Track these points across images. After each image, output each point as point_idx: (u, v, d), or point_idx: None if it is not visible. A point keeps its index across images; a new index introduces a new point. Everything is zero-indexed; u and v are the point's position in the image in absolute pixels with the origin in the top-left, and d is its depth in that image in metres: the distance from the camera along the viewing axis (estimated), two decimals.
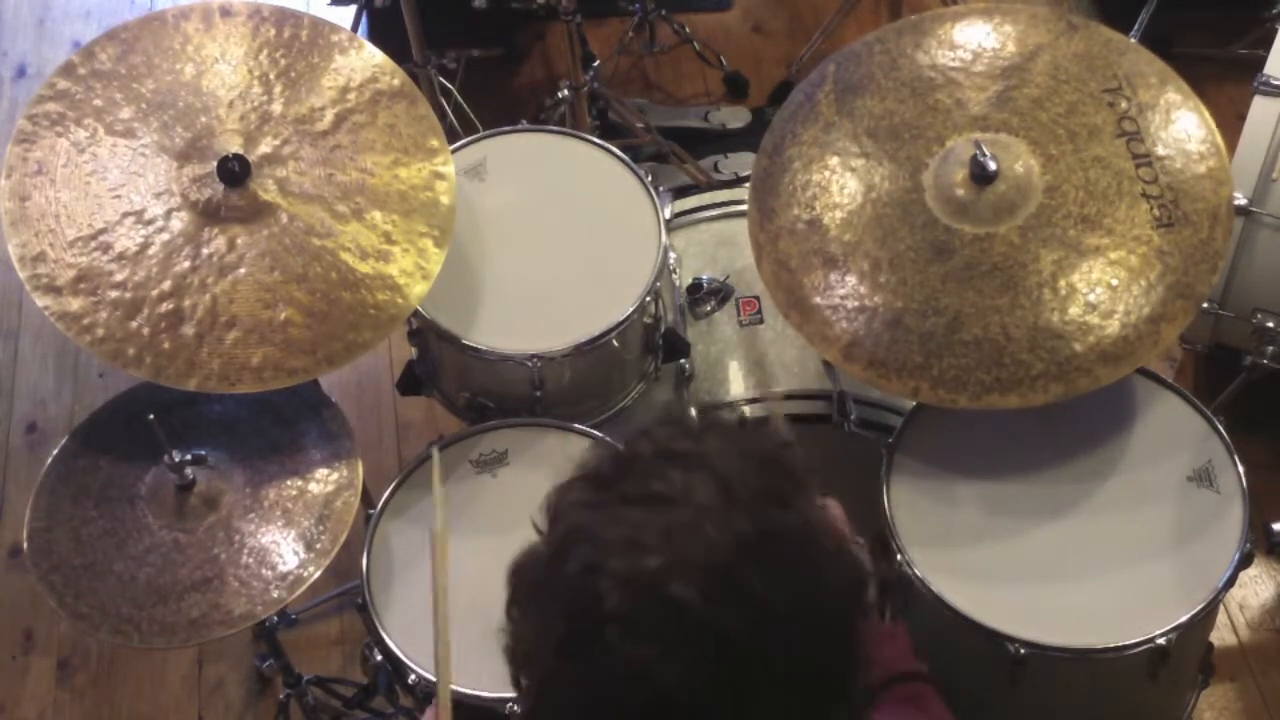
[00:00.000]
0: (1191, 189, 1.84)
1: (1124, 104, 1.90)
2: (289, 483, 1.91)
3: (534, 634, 1.06)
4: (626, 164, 2.20)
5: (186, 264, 1.86)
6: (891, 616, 1.90)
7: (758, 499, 1.04)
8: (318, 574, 1.84)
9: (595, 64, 3.10)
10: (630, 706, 1.01)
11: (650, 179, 2.18)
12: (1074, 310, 1.80)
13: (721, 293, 2.28)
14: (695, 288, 2.28)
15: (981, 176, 1.85)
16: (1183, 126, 1.89)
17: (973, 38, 1.99)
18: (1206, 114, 1.90)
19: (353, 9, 3.20)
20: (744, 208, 2.05)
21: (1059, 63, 1.95)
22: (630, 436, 1.13)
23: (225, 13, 2.02)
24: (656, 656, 0.99)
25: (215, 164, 1.88)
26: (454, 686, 1.77)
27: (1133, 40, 2.03)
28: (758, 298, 2.26)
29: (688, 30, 3.30)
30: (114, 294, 1.83)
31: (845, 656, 1.06)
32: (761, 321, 2.25)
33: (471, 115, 2.96)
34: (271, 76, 1.99)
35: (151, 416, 1.81)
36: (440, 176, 1.99)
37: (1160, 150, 1.87)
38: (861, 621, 1.08)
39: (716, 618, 0.99)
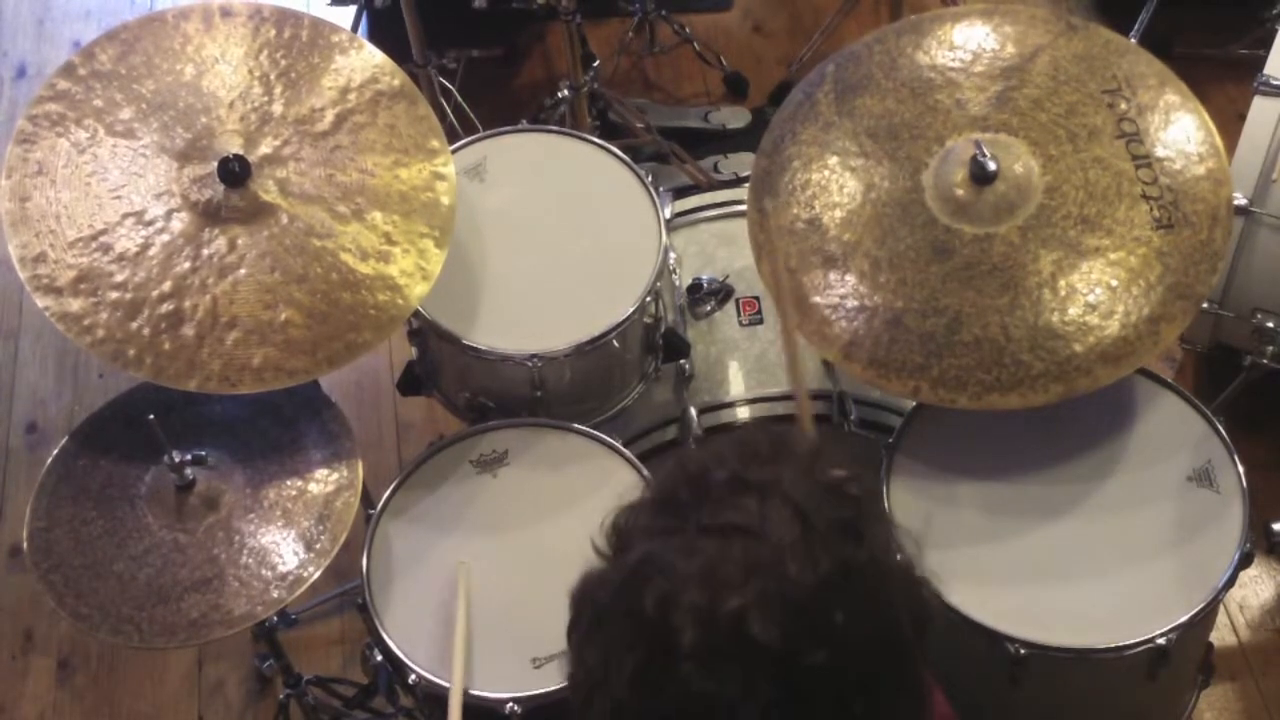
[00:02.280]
0: (1191, 190, 1.85)
1: (1123, 105, 1.91)
2: (289, 483, 1.91)
3: (603, 664, 1.03)
4: (626, 164, 2.20)
5: (187, 265, 1.86)
6: None
7: (835, 533, 1.03)
8: (318, 574, 1.84)
9: (595, 64, 3.10)
10: None
11: (650, 179, 2.18)
12: (1074, 310, 1.80)
13: (721, 293, 2.28)
14: (695, 288, 2.28)
15: (981, 176, 1.85)
16: (1182, 128, 1.89)
17: (972, 38, 2.00)
18: (1205, 115, 1.90)
19: (353, 9, 3.20)
20: (744, 208, 2.05)
21: (1059, 63, 1.95)
22: (698, 456, 1.11)
23: (225, 13, 2.02)
24: (733, 695, 0.98)
25: (215, 164, 1.88)
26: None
27: (1132, 41, 2.03)
28: (758, 298, 2.26)
29: (688, 30, 3.30)
30: (114, 295, 1.83)
31: (906, 674, 1.06)
32: (761, 321, 2.25)
33: (471, 115, 2.96)
34: (272, 77, 1.99)
35: (151, 417, 1.81)
36: (440, 177, 1.99)
37: (1160, 151, 1.87)
38: (920, 637, 1.07)
39: (796, 657, 0.98)
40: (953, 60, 1.98)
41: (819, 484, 1.06)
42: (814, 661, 0.99)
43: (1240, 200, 2.24)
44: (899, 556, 1.09)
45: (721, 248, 2.33)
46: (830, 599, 1.00)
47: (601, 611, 1.05)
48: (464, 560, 1.86)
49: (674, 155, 3.05)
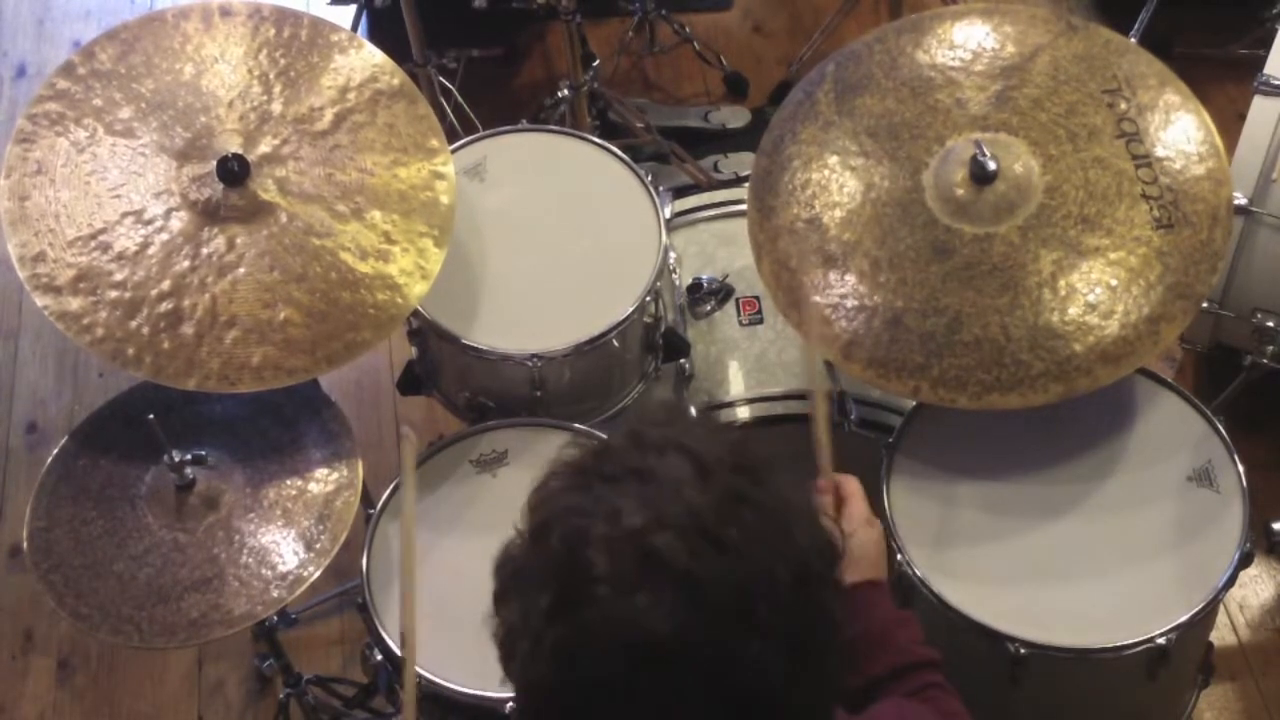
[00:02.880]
0: (1191, 190, 1.85)
1: (1123, 105, 1.90)
2: (289, 482, 1.91)
3: (522, 610, 1.08)
4: (626, 164, 2.20)
5: (186, 264, 1.86)
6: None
7: (731, 471, 1.08)
8: (318, 574, 1.84)
9: (595, 64, 3.10)
10: (620, 659, 1.03)
11: (650, 179, 2.18)
12: (1074, 310, 1.80)
13: (721, 293, 2.28)
14: (695, 288, 2.28)
15: (981, 176, 1.85)
16: (1182, 128, 1.89)
17: (972, 37, 2.00)
18: (1205, 115, 1.90)
19: (353, 9, 3.20)
20: (744, 207, 2.05)
21: (1059, 63, 1.95)
22: (601, 435, 1.18)
23: (225, 13, 2.02)
24: (644, 606, 1.02)
25: (215, 164, 1.88)
26: (454, 686, 1.78)
27: (1132, 41, 2.03)
28: (758, 297, 2.26)
29: (688, 30, 3.30)
30: (114, 294, 1.83)
31: (822, 616, 1.09)
32: (761, 321, 2.25)
33: (471, 115, 2.95)
34: (271, 76, 1.99)
35: (151, 416, 1.81)
36: (440, 176, 1.99)
37: (1160, 151, 1.87)
38: (834, 588, 1.11)
39: (698, 566, 1.03)
40: (953, 59, 1.98)
41: (718, 438, 1.12)
42: (714, 570, 1.03)
43: (1240, 200, 2.24)
44: (797, 494, 1.13)
45: (721, 247, 2.33)
46: (727, 516, 1.05)
47: (516, 569, 1.11)
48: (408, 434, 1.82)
49: (674, 155, 3.05)
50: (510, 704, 1.75)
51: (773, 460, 1.12)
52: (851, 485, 1.50)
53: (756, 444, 1.14)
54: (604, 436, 1.18)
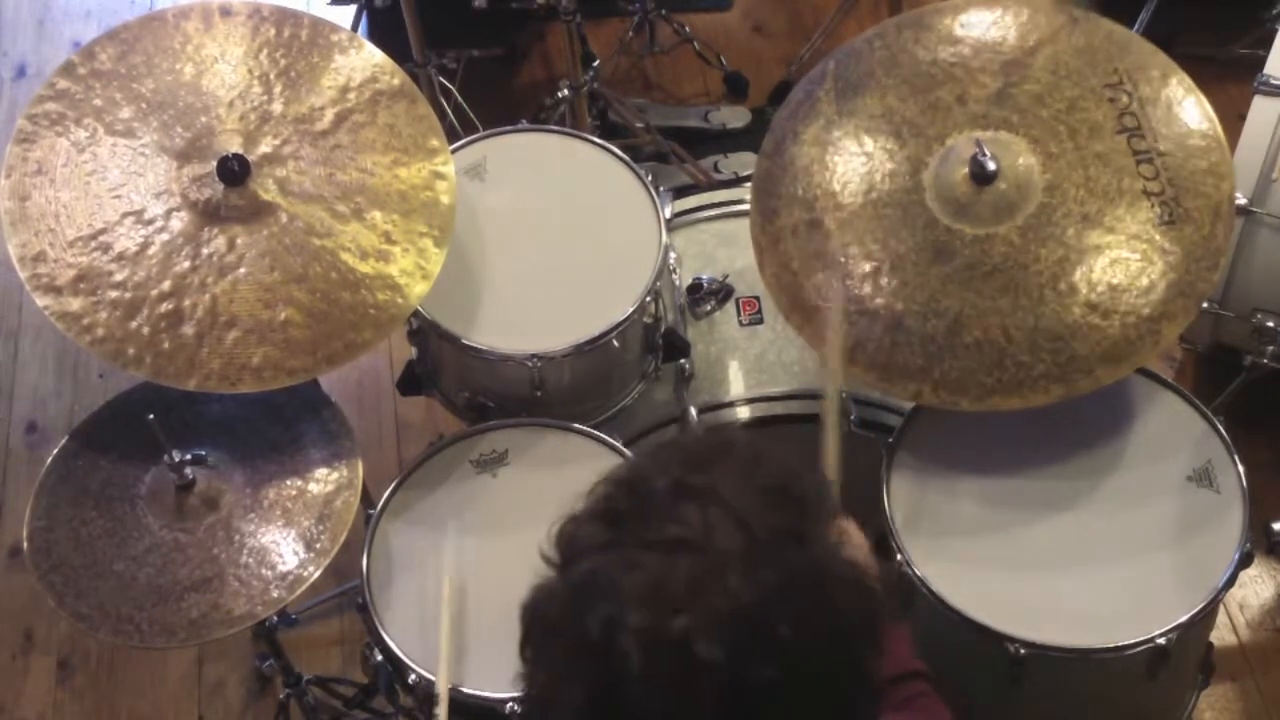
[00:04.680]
0: (1193, 185, 1.84)
1: (1125, 99, 1.90)
2: (289, 482, 1.91)
3: (553, 685, 1.05)
4: (626, 164, 2.20)
5: (186, 264, 1.86)
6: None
7: (776, 538, 1.03)
8: (318, 574, 1.84)
9: (595, 64, 3.10)
10: None
11: (650, 179, 2.18)
12: (1075, 310, 1.79)
13: (721, 293, 2.28)
14: (695, 288, 2.28)
15: (981, 176, 1.85)
16: (1185, 120, 1.88)
17: (973, 32, 1.99)
18: (1208, 106, 1.89)
19: (353, 9, 3.20)
20: (744, 207, 2.05)
21: (1060, 57, 1.94)
22: (639, 463, 1.11)
23: (225, 13, 2.01)
24: (679, 712, 0.99)
25: (215, 164, 1.88)
26: (454, 686, 1.78)
27: (1134, 33, 2.03)
28: (758, 298, 2.26)
29: (688, 30, 3.29)
30: (114, 294, 1.83)
31: (862, 680, 1.06)
32: (761, 321, 2.25)
33: (471, 115, 2.95)
34: (271, 76, 1.99)
35: (151, 416, 1.81)
36: (440, 176, 1.99)
37: (1161, 145, 1.86)
38: (875, 645, 1.08)
39: (742, 672, 0.99)
40: (953, 55, 1.98)
41: (760, 489, 1.07)
42: (760, 677, 1.00)
43: (1240, 200, 2.24)
44: (842, 550, 1.09)
45: (721, 248, 2.33)
46: (773, 613, 1.00)
47: (548, 629, 1.08)
48: (452, 576, 1.85)
49: (674, 155, 3.04)
50: (510, 704, 1.75)
51: (820, 502, 1.08)
52: (850, 526, 1.48)
53: (799, 478, 1.10)
54: (640, 466, 1.11)
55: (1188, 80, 1.91)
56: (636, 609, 1.00)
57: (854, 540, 1.43)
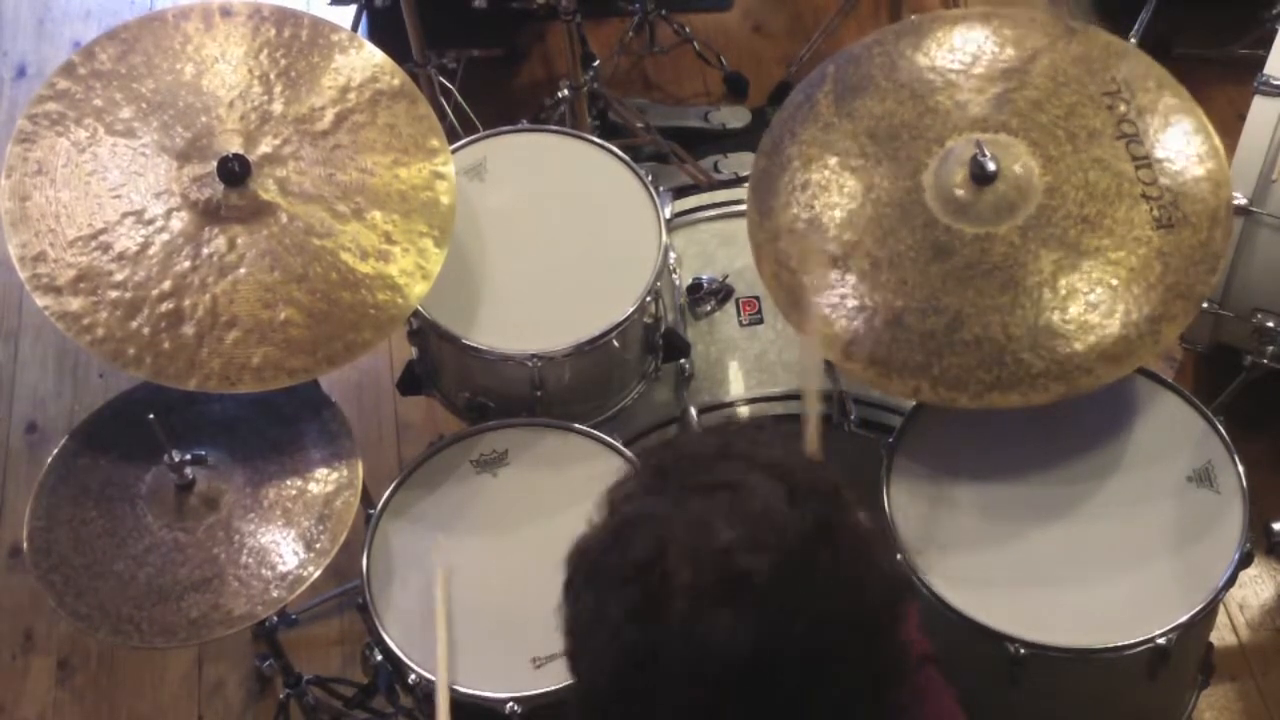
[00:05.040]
0: (1191, 191, 1.85)
1: (1123, 107, 1.91)
2: (289, 483, 1.91)
3: (597, 609, 1.06)
4: (626, 164, 2.20)
5: (186, 264, 1.86)
6: None
7: (815, 494, 1.06)
8: (318, 574, 1.84)
9: (595, 64, 3.10)
10: (694, 676, 1.02)
11: (650, 179, 2.18)
12: (1074, 310, 1.80)
13: (721, 293, 2.28)
14: (695, 288, 2.28)
15: (981, 176, 1.85)
16: (1181, 130, 1.89)
17: (972, 41, 2.00)
18: (1204, 118, 1.90)
19: (353, 9, 3.20)
20: (744, 207, 2.05)
21: (1058, 66, 1.95)
22: (687, 436, 1.17)
23: (225, 13, 2.02)
24: (723, 626, 1.00)
25: (215, 164, 1.88)
26: (455, 686, 1.78)
27: (1131, 44, 2.03)
28: (758, 298, 2.26)
29: (688, 30, 3.30)
30: (114, 294, 1.83)
31: (895, 651, 1.09)
32: (761, 321, 2.25)
33: (471, 115, 2.96)
34: (271, 76, 1.99)
35: (151, 416, 1.81)
36: (440, 176, 1.99)
37: (1159, 153, 1.87)
38: (903, 612, 1.11)
39: (784, 592, 1.01)
40: (952, 62, 1.98)
41: (801, 458, 1.12)
42: (801, 597, 1.01)
43: (1240, 200, 2.24)
44: (875, 524, 1.12)
45: (721, 248, 2.33)
46: (819, 546, 1.03)
47: (594, 563, 1.09)
48: (443, 567, 1.85)
49: (674, 155, 3.05)
50: (510, 704, 1.75)
51: (849, 488, 1.11)
52: None
53: (834, 470, 1.13)
54: (689, 437, 1.15)
55: (1183, 91, 1.92)
56: (681, 532, 1.03)
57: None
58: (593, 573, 1.08)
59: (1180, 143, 1.88)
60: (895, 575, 1.10)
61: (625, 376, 2.16)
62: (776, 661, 1.01)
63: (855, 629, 1.04)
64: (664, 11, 3.27)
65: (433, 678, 1.78)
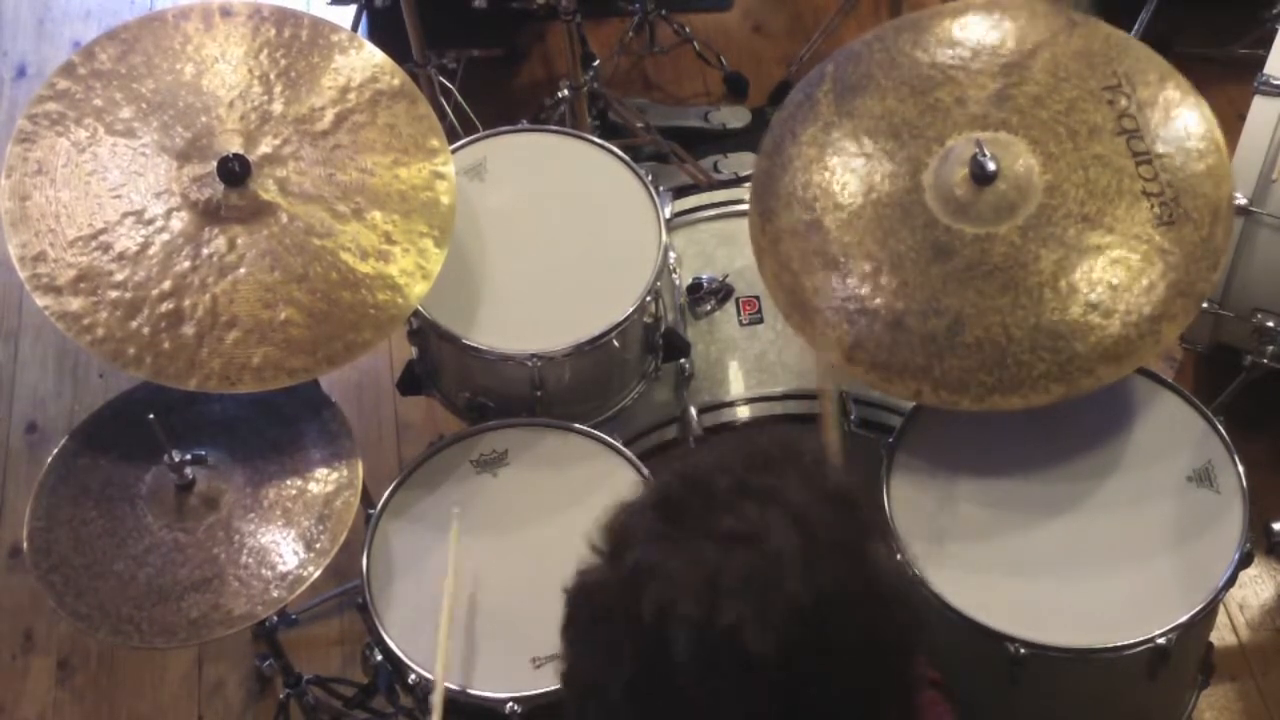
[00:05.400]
0: (1192, 186, 1.84)
1: (1124, 101, 1.90)
2: (289, 482, 1.91)
3: (598, 669, 1.04)
4: (626, 164, 2.20)
5: (187, 264, 1.86)
6: None
7: (834, 547, 1.03)
8: (318, 574, 1.84)
9: (595, 64, 3.10)
10: None
11: (650, 179, 2.18)
12: (1075, 310, 1.80)
13: (721, 292, 2.28)
14: (695, 288, 2.28)
15: (981, 176, 1.85)
16: (1182, 123, 1.88)
17: (972, 35, 1.99)
18: (1207, 110, 1.89)
19: (353, 9, 3.20)
20: (744, 207, 2.05)
21: (1059, 60, 1.94)
22: (700, 459, 1.10)
23: (225, 13, 2.02)
24: (727, 706, 0.99)
25: (215, 164, 1.88)
26: (455, 686, 1.78)
27: (1133, 36, 2.03)
28: (758, 297, 2.26)
29: (688, 30, 3.29)
30: (114, 294, 1.83)
31: (902, 694, 1.07)
32: (761, 321, 2.25)
33: (471, 115, 2.95)
34: (271, 76, 1.99)
35: (151, 416, 1.81)
36: (440, 176, 1.99)
37: (1160, 148, 1.87)
38: (914, 661, 1.08)
39: (790, 670, 0.99)
40: (952, 58, 1.98)
41: (823, 493, 1.06)
42: (806, 673, 0.99)
43: (1240, 200, 2.24)
44: (895, 567, 1.09)
45: (721, 247, 2.33)
46: (827, 614, 1.00)
47: (597, 613, 1.05)
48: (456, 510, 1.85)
49: (674, 155, 3.04)
50: (510, 704, 1.75)
51: (875, 517, 1.08)
52: None
53: (854, 490, 1.09)
54: (706, 463, 1.09)
55: (1185, 83, 1.91)
56: (689, 596, 0.99)
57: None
58: (596, 625, 1.05)
59: (1181, 136, 1.87)
60: (908, 619, 1.07)
61: (625, 376, 2.16)
62: None
63: (865, 695, 1.02)
64: (664, 11, 3.27)
65: (433, 678, 1.78)
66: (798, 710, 1.00)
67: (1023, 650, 1.75)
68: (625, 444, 2.02)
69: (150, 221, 1.88)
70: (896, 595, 1.07)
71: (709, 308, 2.27)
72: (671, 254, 2.25)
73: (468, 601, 1.85)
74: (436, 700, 1.69)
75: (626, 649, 1.02)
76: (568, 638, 1.08)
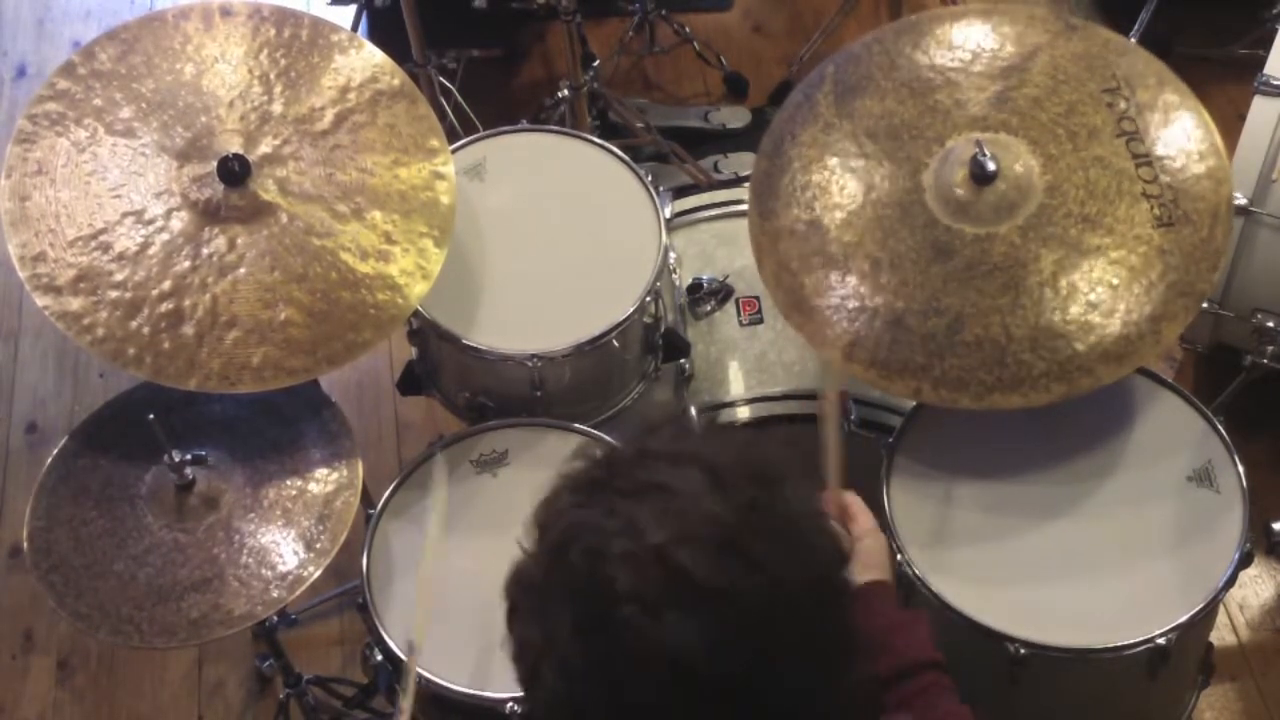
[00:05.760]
0: (1191, 188, 1.85)
1: (1123, 104, 1.90)
2: (289, 483, 1.91)
3: (543, 630, 1.06)
4: (626, 164, 2.20)
5: (186, 264, 1.86)
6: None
7: (744, 479, 1.06)
8: (318, 574, 1.84)
9: (595, 64, 3.10)
10: (650, 681, 1.01)
11: (650, 179, 2.18)
12: (1075, 310, 1.80)
13: (721, 293, 2.28)
14: (695, 288, 2.28)
15: (981, 176, 1.85)
16: (1181, 126, 1.89)
17: (971, 38, 1.99)
18: (1205, 114, 1.90)
19: (353, 9, 3.20)
20: (744, 207, 2.05)
21: (1058, 63, 1.95)
22: (606, 444, 1.15)
23: (225, 13, 2.02)
24: (673, 624, 1.00)
25: (215, 164, 1.88)
26: (455, 686, 1.78)
27: (1131, 41, 2.03)
28: (758, 297, 2.26)
29: (688, 30, 3.30)
30: (114, 294, 1.83)
31: (844, 623, 1.08)
32: (761, 321, 2.25)
33: (471, 115, 2.96)
34: (271, 76, 1.99)
35: (151, 416, 1.81)
36: (440, 176, 1.99)
37: (1159, 150, 1.87)
38: (848, 595, 1.10)
39: (724, 581, 1.00)
40: (951, 60, 1.98)
41: (729, 445, 1.10)
42: (740, 584, 1.01)
43: (1240, 200, 2.24)
44: (813, 507, 1.11)
45: (721, 247, 2.33)
46: (749, 529, 1.03)
47: (535, 587, 1.08)
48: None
49: (674, 155, 3.05)
50: (510, 704, 1.75)
51: (779, 464, 1.11)
52: (857, 500, 1.50)
53: (761, 447, 1.13)
54: (608, 447, 1.14)
55: (1183, 87, 1.92)
56: (616, 538, 1.02)
57: (858, 513, 1.45)
58: (535, 596, 1.08)
59: (1180, 139, 1.88)
60: (832, 546, 1.10)
61: (625, 376, 2.16)
62: (730, 652, 1.01)
63: (799, 606, 1.04)
64: (664, 11, 3.27)
65: (433, 678, 1.78)
66: (747, 632, 1.01)
67: (1023, 650, 1.75)
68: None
69: (150, 221, 1.88)
70: (812, 519, 1.10)
71: (709, 308, 2.27)
72: (671, 254, 2.25)
73: (467, 602, 1.85)
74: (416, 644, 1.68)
75: (567, 601, 1.04)
76: (510, 623, 1.10)
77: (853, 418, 2.10)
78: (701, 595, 1.00)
